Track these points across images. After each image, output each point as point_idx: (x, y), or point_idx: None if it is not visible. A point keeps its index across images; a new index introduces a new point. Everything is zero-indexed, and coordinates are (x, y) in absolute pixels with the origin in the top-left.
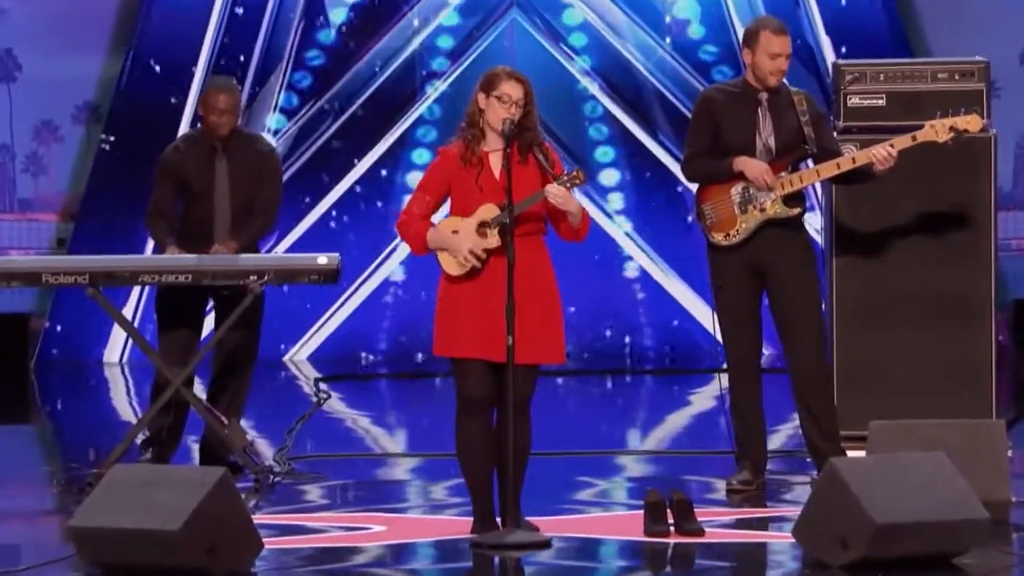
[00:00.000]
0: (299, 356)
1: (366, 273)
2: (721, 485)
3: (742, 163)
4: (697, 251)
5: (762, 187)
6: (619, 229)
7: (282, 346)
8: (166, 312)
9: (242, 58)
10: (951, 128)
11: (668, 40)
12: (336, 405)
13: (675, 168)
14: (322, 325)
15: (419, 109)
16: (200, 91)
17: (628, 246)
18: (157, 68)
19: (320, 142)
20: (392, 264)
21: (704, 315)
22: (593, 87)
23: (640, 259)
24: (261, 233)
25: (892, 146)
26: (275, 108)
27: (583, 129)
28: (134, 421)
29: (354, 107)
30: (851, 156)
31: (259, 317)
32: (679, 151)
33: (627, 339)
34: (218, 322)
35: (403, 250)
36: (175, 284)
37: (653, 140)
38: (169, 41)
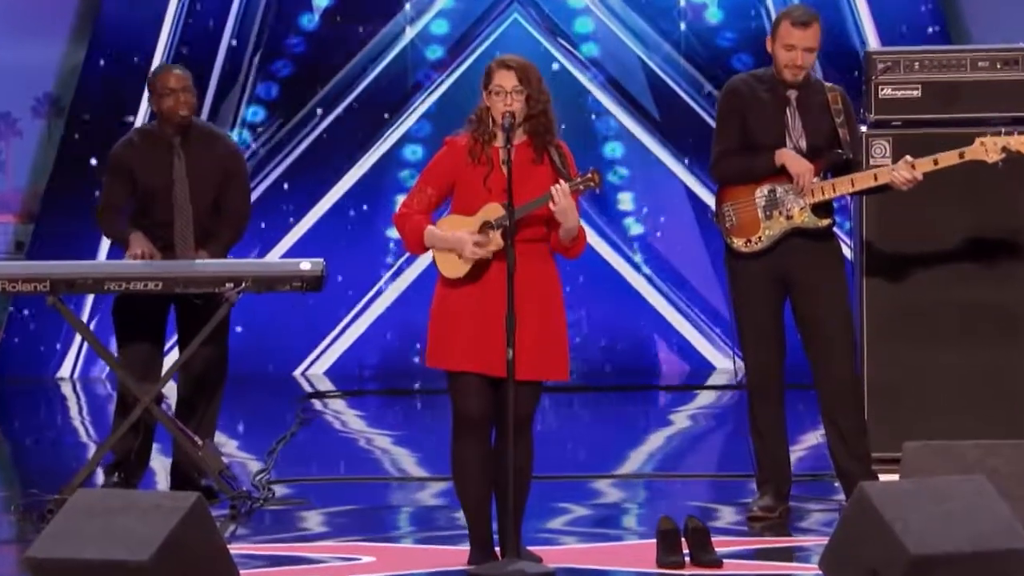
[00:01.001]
0: (314, 371)
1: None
2: (741, 512)
3: (784, 156)
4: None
5: (801, 190)
6: (637, 260)
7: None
8: (126, 322)
9: (211, 45)
10: (1003, 148)
11: (683, 26)
12: (323, 424)
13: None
14: (336, 338)
15: (422, 105)
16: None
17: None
18: (126, 57)
19: (306, 143)
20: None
21: (721, 326)
22: (607, 102)
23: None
24: (232, 243)
25: (914, 167)
26: (246, 100)
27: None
28: (92, 443)
29: (344, 104)
30: (872, 173)
31: (227, 328)
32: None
33: (637, 352)
34: (182, 333)
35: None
36: (143, 292)
37: (679, 164)
38: (134, 26)
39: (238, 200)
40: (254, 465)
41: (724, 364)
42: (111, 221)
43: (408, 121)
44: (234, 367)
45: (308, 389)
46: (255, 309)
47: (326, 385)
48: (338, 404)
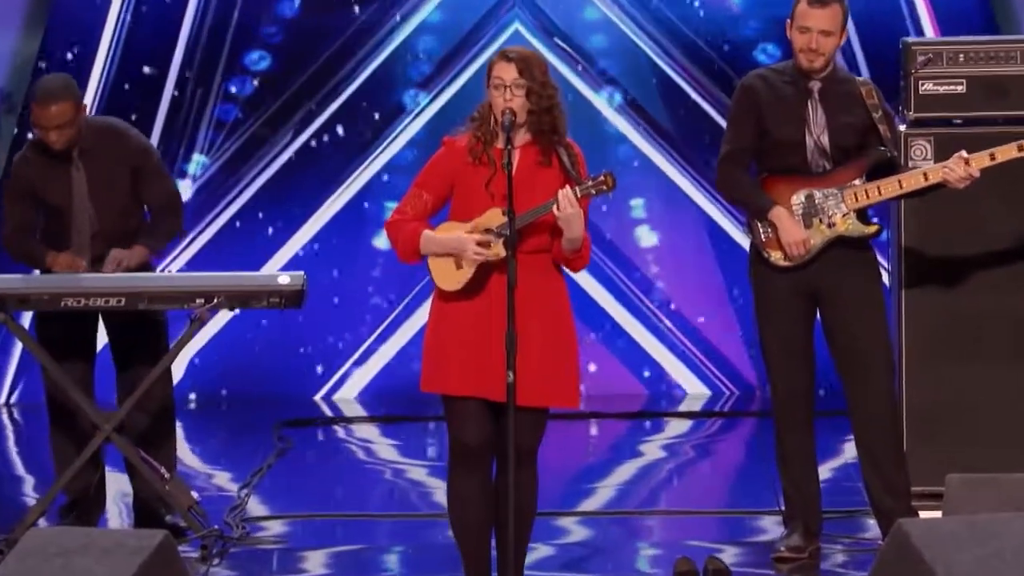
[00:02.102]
0: (343, 395)
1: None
2: (762, 551)
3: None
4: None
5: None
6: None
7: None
8: (52, 342)
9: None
10: None
11: (700, 13)
12: (307, 454)
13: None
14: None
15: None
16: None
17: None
18: (76, 48)
19: (269, 173)
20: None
21: (742, 346)
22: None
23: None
24: (174, 230)
25: (968, 163)
26: (217, 96)
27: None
28: (31, 476)
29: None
30: (922, 171)
31: (166, 342)
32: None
33: (647, 375)
34: (117, 355)
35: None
36: (99, 309)
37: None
38: (89, 15)
39: (160, 188)
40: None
41: (697, 389)
42: (25, 242)
43: (390, 150)
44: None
45: (329, 413)
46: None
47: (357, 410)
48: (337, 431)
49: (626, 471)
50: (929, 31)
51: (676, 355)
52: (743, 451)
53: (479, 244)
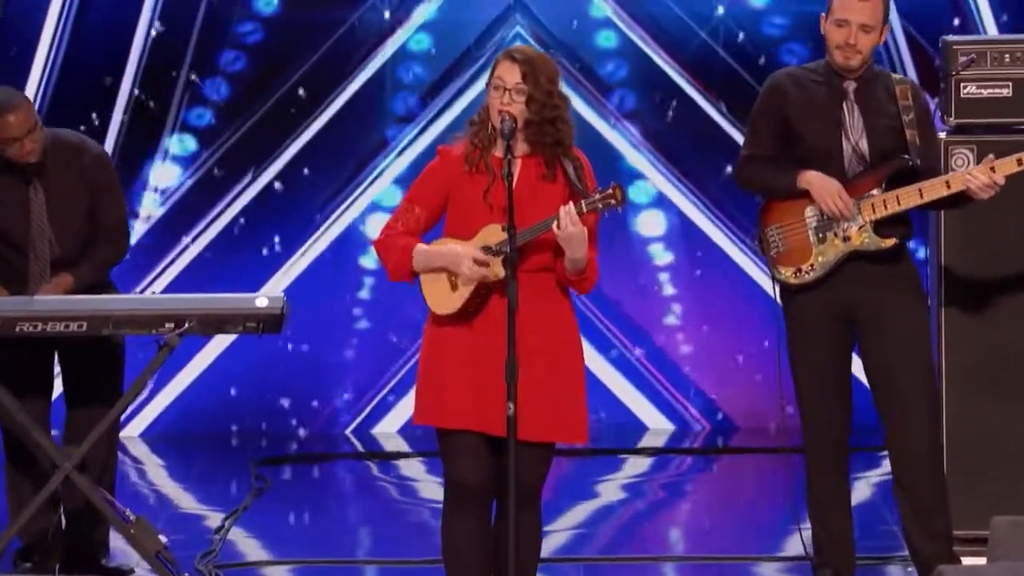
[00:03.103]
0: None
1: None
2: None
3: (807, 180)
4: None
5: (834, 215)
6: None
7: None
8: (6, 373)
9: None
10: None
11: (721, 9)
12: (288, 494)
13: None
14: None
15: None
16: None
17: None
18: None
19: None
20: None
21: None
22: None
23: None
24: (111, 260)
25: (994, 169)
26: (183, 96)
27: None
28: None
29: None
30: (944, 179)
31: (122, 378)
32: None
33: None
34: (68, 387)
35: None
36: (59, 335)
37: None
38: (29, 8)
39: (111, 211)
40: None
41: (661, 424)
42: None
43: (372, 190)
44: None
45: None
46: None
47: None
48: (284, 472)
49: (718, 514)
50: (992, 27)
51: (638, 387)
52: (744, 491)
53: (476, 261)
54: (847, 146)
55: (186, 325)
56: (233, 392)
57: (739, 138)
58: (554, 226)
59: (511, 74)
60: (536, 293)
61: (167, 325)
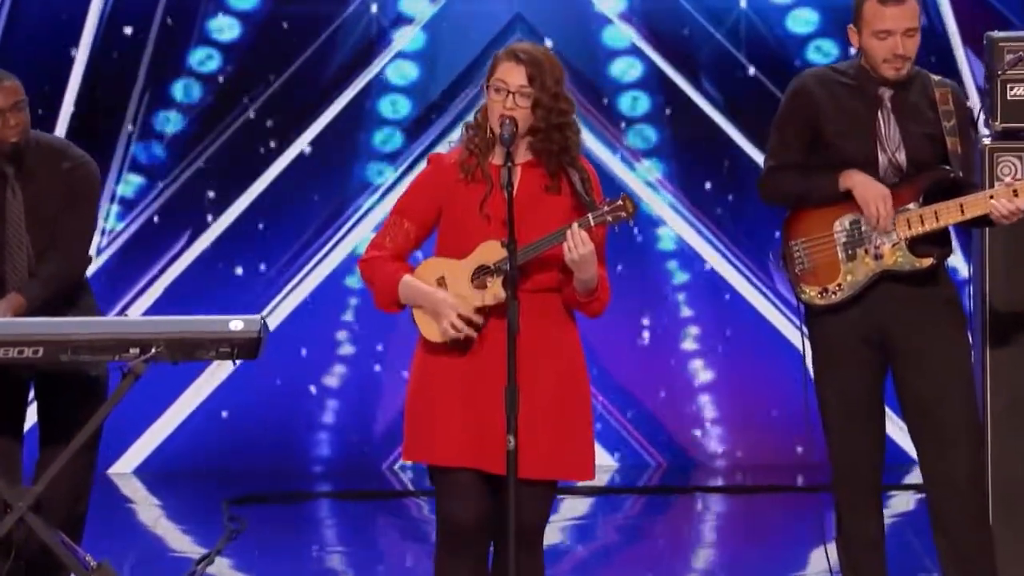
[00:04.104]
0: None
1: None
2: None
3: (853, 179)
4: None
5: (875, 224)
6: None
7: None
8: None
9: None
10: None
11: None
12: (263, 537)
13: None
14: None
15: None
16: None
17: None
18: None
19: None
20: None
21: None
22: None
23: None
24: (64, 278)
25: (1016, 193)
26: (140, 102)
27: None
28: None
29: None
30: (987, 194)
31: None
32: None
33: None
34: (42, 423)
35: None
36: (13, 361)
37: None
38: None
39: (74, 223)
40: None
41: (602, 460)
42: None
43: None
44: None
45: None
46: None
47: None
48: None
49: (739, 559)
50: None
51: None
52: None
53: (462, 319)
54: (883, 158)
55: (153, 351)
56: (229, 425)
57: None
58: (564, 248)
59: (515, 76)
60: (539, 315)
61: (132, 351)
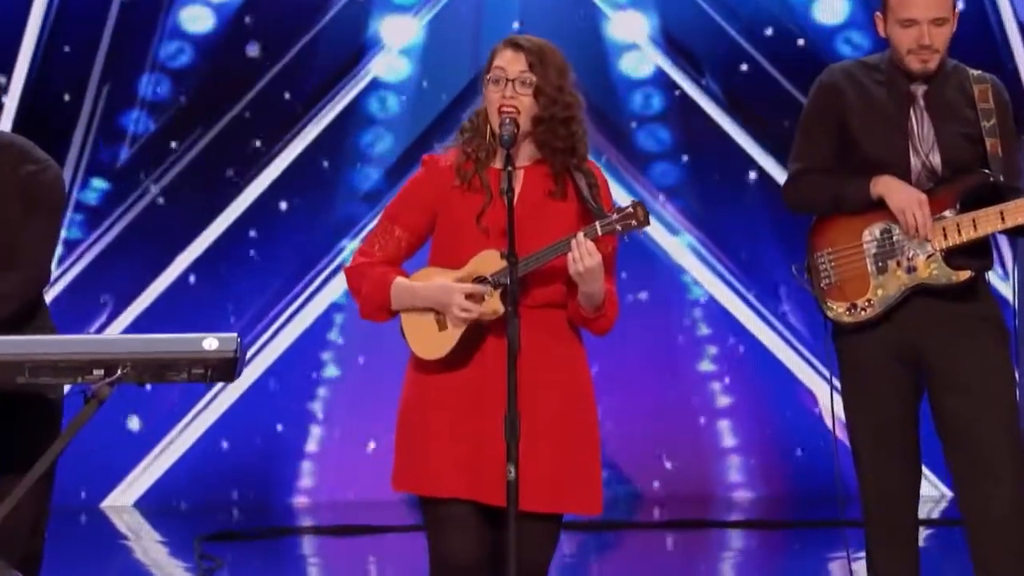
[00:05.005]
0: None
1: None
2: None
3: (885, 185)
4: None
5: (911, 232)
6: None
7: None
8: None
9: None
10: None
11: None
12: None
13: None
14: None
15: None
16: None
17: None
18: None
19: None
20: None
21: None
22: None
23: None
24: (17, 294)
25: None
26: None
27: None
28: None
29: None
30: (999, 210)
31: (57, 432)
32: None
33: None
34: None
35: None
36: None
37: None
38: None
39: (34, 236)
40: None
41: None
42: None
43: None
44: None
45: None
46: None
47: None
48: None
49: None
50: None
51: None
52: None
53: (469, 297)
54: (916, 161)
55: (119, 372)
56: (229, 457)
57: None
58: (568, 260)
59: (514, 62)
60: (542, 333)
61: (95, 372)
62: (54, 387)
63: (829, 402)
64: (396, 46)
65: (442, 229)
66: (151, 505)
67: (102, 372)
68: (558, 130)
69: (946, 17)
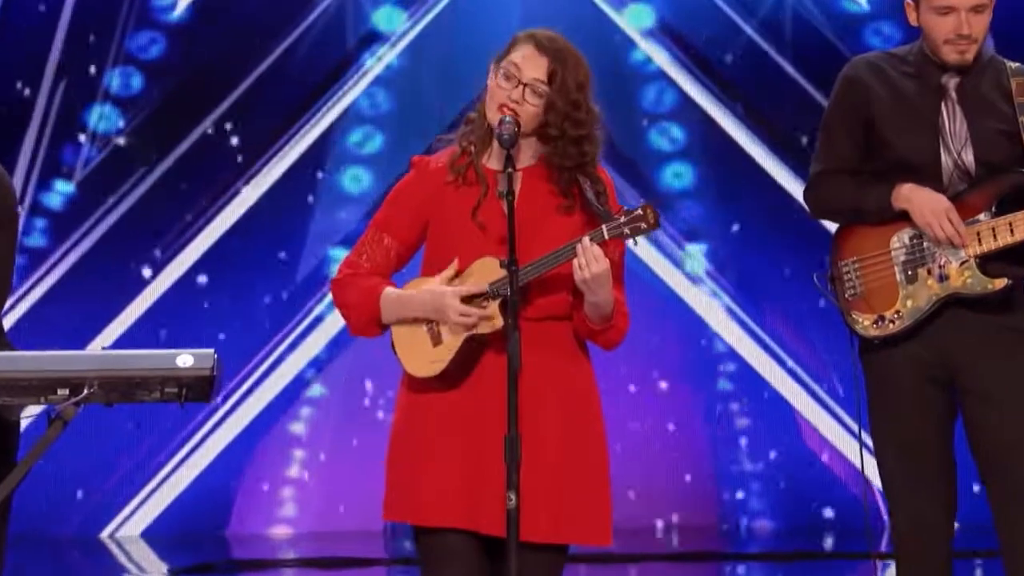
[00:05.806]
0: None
1: None
2: None
3: (906, 196)
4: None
5: (940, 240)
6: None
7: None
8: None
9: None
10: None
11: None
12: None
13: None
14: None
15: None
16: None
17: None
18: None
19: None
20: None
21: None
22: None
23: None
24: None
25: None
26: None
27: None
28: None
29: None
30: (1007, 221)
31: (14, 458)
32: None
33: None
34: None
35: None
36: None
37: None
38: None
39: None
40: None
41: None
42: None
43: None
44: None
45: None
46: None
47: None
48: None
49: None
50: None
51: None
52: None
53: (465, 300)
54: (947, 159)
55: (85, 391)
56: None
57: None
58: (574, 266)
59: (532, 66)
60: (545, 347)
61: (60, 391)
62: (12, 408)
63: (858, 432)
64: (392, 44)
65: (435, 233)
66: (127, 535)
67: (67, 392)
68: (568, 149)
69: (985, 3)
